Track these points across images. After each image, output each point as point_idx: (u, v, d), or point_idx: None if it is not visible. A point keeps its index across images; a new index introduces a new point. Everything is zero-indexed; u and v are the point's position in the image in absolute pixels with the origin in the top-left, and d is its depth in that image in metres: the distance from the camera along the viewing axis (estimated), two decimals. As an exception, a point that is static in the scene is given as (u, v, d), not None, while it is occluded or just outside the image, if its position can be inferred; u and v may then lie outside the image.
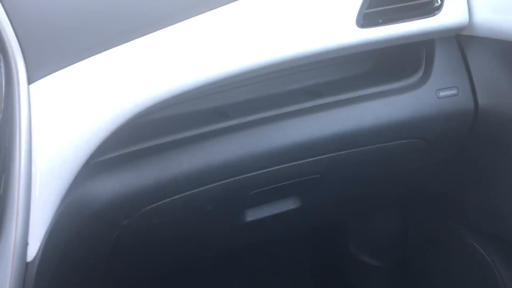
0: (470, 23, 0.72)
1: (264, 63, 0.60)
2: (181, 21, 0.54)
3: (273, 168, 0.66)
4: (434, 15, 0.69)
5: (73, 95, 0.50)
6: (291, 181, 0.69)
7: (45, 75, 0.49)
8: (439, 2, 0.70)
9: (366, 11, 0.65)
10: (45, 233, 0.49)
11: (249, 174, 0.64)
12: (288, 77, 0.76)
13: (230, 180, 0.64)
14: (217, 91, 0.71)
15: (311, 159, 0.68)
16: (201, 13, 0.56)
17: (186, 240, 0.72)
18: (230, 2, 0.57)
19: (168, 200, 0.61)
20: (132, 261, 0.70)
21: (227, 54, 0.58)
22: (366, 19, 0.65)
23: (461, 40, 0.75)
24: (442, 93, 0.72)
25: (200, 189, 0.62)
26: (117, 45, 0.50)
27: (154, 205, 0.60)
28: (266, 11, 0.60)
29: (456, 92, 0.72)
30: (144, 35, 0.52)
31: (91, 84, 0.50)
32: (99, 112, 0.50)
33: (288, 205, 0.76)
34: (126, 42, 0.51)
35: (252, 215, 0.74)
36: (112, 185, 0.55)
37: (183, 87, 0.54)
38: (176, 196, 0.61)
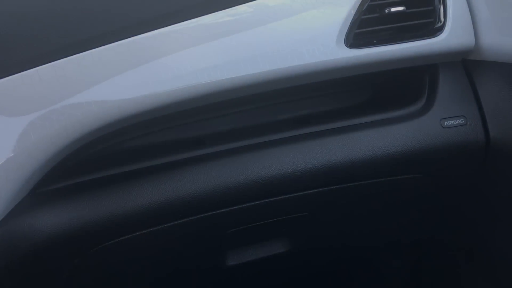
0: (477, 47, 0.65)
1: (243, 81, 0.54)
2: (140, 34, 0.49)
3: (253, 203, 0.59)
4: (435, 37, 0.63)
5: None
6: (275, 219, 0.61)
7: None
8: (441, 22, 0.63)
9: (357, 30, 0.59)
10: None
11: (224, 210, 0.57)
12: (281, 106, 0.70)
13: (202, 215, 0.56)
14: (199, 119, 0.65)
15: (296, 194, 0.60)
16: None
17: (155, 285, 0.64)
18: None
19: (128, 236, 0.53)
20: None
21: (206, 69, 0.52)
22: (356, 39, 0.59)
23: (468, 65, 0.67)
24: (447, 123, 0.64)
25: (167, 225, 0.55)
26: (60, 58, 0.45)
27: (111, 242, 0.53)
28: (247, 27, 0.55)
29: (463, 121, 0.64)
30: (96, 47, 0.47)
31: (23, 98, 0.45)
32: (34, 130, 0.44)
33: (275, 248, 0.68)
34: (72, 55, 0.46)
35: (234, 258, 0.66)
36: (58, 218, 0.49)
37: (136, 107, 0.48)
38: (138, 233, 0.54)
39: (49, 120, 0.45)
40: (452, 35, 0.63)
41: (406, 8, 0.61)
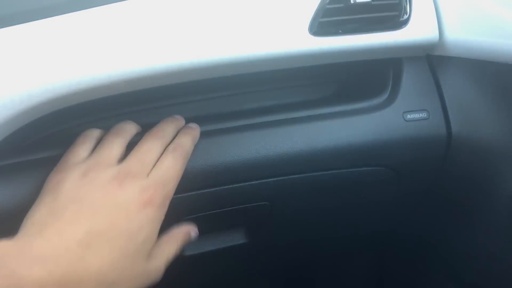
0: (441, 42, 0.66)
1: (204, 63, 0.53)
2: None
3: (211, 190, 0.57)
4: (400, 29, 0.63)
5: None
6: (233, 208, 0.60)
7: None
8: (406, 16, 0.64)
9: (322, 19, 0.59)
10: None
11: (180, 195, 0.55)
12: (245, 96, 0.69)
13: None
14: (156, 106, 0.64)
15: (256, 182, 0.59)
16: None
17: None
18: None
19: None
20: None
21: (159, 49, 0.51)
22: (321, 28, 0.58)
23: (432, 60, 0.68)
24: (409, 116, 0.64)
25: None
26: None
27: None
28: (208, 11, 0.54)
29: (426, 115, 0.65)
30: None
31: None
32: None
33: (235, 239, 0.67)
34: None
35: (191, 248, 0.64)
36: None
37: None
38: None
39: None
40: (417, 29, 0.63)
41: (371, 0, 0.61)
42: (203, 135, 0.57)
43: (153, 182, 0.46)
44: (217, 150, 0.56)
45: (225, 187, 0.58)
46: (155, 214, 0.45)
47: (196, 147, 0.56)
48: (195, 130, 0.55)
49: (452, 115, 0.65)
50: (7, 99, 0.42)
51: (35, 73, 0.44)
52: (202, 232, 0.65)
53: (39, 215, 0.43)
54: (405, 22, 0.63)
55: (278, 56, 0.56)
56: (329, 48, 0.59)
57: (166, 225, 0.58)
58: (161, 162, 0.49)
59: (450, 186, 0.68)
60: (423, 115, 0.64)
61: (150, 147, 0.49)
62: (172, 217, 0.57)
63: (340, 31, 0.60)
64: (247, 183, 0.59)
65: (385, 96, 0.66)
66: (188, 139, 0.53)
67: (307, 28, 0.58)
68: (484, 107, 0.64)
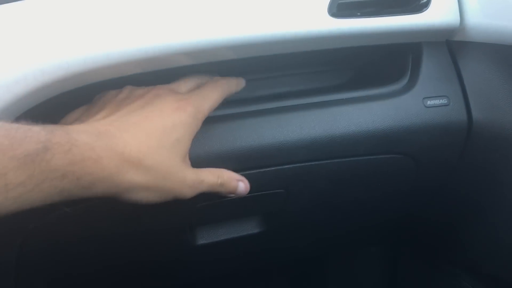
0: (462, 27, 0.64)
1: (220, 43, 0.51)
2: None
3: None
4: (420, 12, 0.61)
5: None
6: (248, 195, 0.58)
7: None
8: (426, -2, 0.62)
9: (341, 1, 0.57)
10: None
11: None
12: (260, 82, 0.68)
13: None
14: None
15: (273, 168, 0.57)
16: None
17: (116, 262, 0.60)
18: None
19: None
20: (50, 270, 0.58)
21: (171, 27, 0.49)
22: (339, 9, 0.57)
23: (452, 46, 0.66)
24: (429, 102, 0.62)
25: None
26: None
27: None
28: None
29: (446, 101, 0.63)
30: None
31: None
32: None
33: (249, 228, 0.65)
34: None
35: (204, 237, 0.63)
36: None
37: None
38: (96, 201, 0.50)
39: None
40: (438, 12, 0.61)
41: (391, -19, 0.59)
42: (218, 119, 0.55)
43: (188, 96, 0.49)
44: (233, 135, 0.54)
45: (240, 173, 0.56)
46: (188, 119, 0.46)
47: (211, 132, 0.54)
48: (240, 79, 0.58)
49: (472, 101, 0.63)
50: (20, 75, 0.41)
51: (50, 49, 0.43)
52: (216, 221, 0.63)
53: (76, 114, 0.47)
54: (426, 5, 0.61)
55: (297, 36, 0.54)
56: (347, 30, 0.57)
57: (180, 212, 0.57)
58: (200, 87, 0.52)
59: (469, 174, 0.67)
60: (443, 101, 0.63)
61: (189, 77, 0.54)
62: (187, 204, 0.55)
63: (359, 14, 0.58)
64: (262, 170, 0.57)
65: (404, 81, 0.64)
66: (232, 80, 0.56)
67: (326, 9, 0.56)
68: (506, 92, 0.62)
